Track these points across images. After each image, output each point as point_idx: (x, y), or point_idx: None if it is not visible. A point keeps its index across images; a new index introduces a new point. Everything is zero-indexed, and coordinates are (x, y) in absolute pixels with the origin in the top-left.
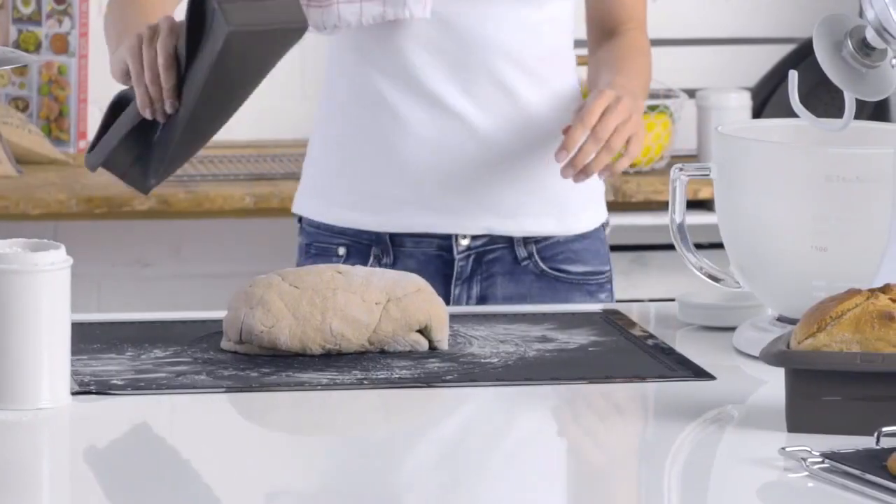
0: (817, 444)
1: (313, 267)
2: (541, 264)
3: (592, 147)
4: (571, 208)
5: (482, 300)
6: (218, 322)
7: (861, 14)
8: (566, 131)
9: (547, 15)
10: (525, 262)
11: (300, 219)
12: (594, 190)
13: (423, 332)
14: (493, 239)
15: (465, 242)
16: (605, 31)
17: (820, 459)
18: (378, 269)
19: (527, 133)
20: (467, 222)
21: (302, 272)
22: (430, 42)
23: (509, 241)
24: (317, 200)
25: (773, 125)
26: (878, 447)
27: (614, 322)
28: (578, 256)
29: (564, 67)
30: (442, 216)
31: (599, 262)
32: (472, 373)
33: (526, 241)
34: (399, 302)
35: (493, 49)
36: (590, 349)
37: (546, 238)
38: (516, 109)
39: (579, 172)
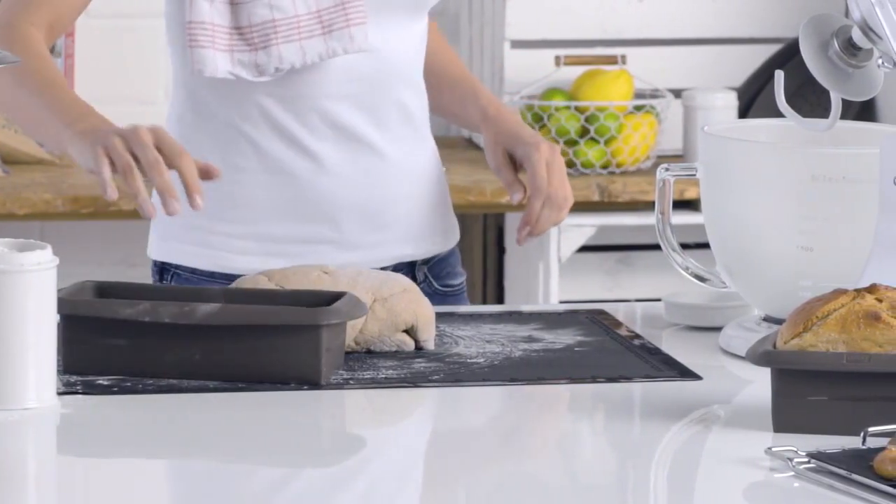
0: (803, 444)
1: (299, 267)
2: (434, 284)
3: (553, 215)
4: (448, 220)
5: None
6: None
7: (847, 14)
8: (525, 202)
9: (424, 26)
10: (422, 285)
11: (160, 267)
12: (448, 194)
13: (409, 332)
14: (395, 267)
15: None
16: None
17: (806, 459)
18: (365, 270)
19: (421, 154)
20: (380, 254)
21: (288, 272)
22: (340, 72)
23: (410, 266)
24: (193, 247)
25: (759, 125)
26: (864, 447)
27: (600, 322)
28: (455, 268)
29: (421, 75)
30: (358, 251)
31: (461, 268)
32: (459, 373)
33: (423, 262)
34: (385, 302)
35: (394, 70)
36: (576, 349)
37: (434, 256)
38: (412, 129)
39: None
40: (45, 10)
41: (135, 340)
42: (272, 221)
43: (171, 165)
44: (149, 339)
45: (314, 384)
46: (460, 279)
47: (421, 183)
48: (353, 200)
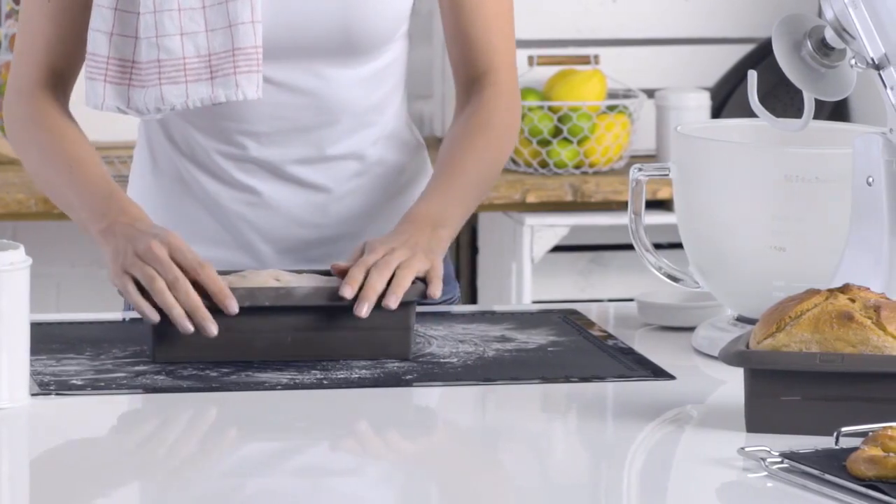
0: (776, 444)
1: (252, 272)
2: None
3: (378, 277)
4: None
5: None
6: None
7: (820, 14)
8: (342, 273)
9: (382, 63)
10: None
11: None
12: None
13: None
14: None
15: None
16: (466, 82)
17: (779, 459)
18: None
19: (374, 185)
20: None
21: (247, 275)
22: (268, 113)
23: None
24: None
25: (732, 125)
26: (837, 447)
27: (573, 322)
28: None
29: (395, 108)
30: None
31: (451, 287)
32: (432, 373)
33: None
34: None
35: (335, 111)
36: (549, 349)
37: None
38: (361, 165)
39: (382, 302)
40: (46, 61)
41: (225, 326)
42: (221, 260)
43: (193, 279)
44: (240, 324)
45: (404, 358)
46: (441, 298)
47: (372, 212)
48: (299, 237)
